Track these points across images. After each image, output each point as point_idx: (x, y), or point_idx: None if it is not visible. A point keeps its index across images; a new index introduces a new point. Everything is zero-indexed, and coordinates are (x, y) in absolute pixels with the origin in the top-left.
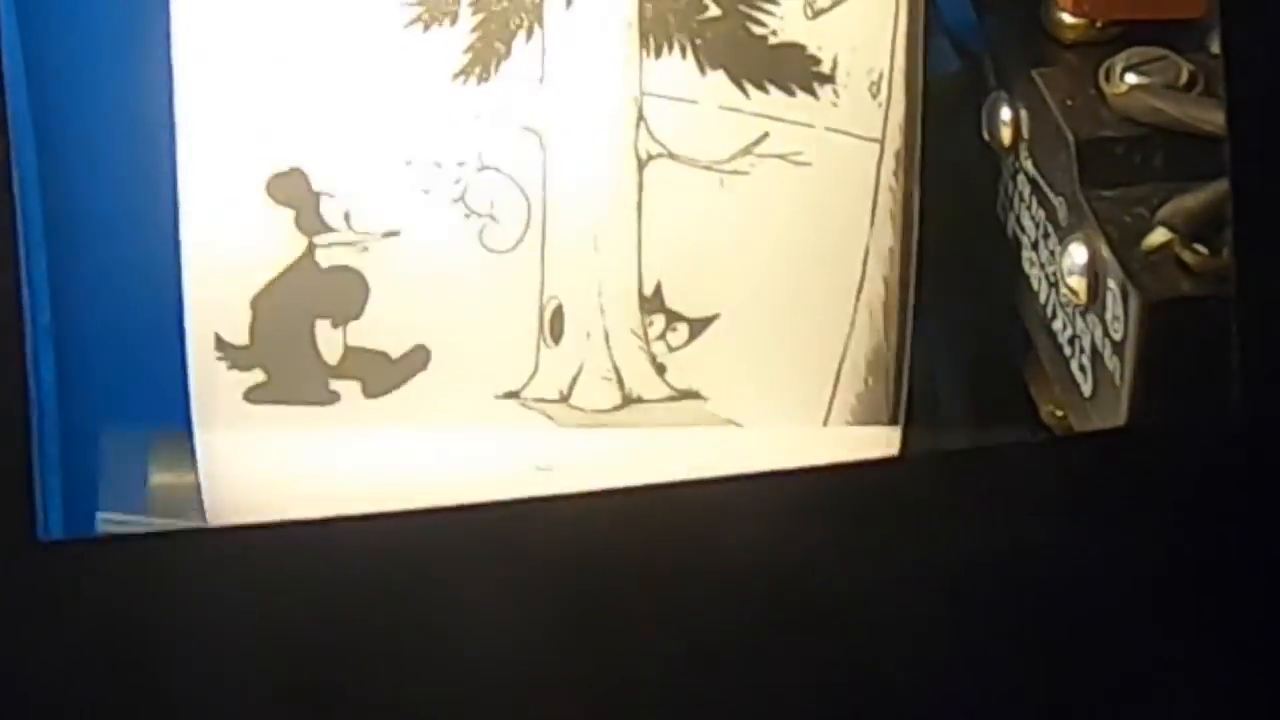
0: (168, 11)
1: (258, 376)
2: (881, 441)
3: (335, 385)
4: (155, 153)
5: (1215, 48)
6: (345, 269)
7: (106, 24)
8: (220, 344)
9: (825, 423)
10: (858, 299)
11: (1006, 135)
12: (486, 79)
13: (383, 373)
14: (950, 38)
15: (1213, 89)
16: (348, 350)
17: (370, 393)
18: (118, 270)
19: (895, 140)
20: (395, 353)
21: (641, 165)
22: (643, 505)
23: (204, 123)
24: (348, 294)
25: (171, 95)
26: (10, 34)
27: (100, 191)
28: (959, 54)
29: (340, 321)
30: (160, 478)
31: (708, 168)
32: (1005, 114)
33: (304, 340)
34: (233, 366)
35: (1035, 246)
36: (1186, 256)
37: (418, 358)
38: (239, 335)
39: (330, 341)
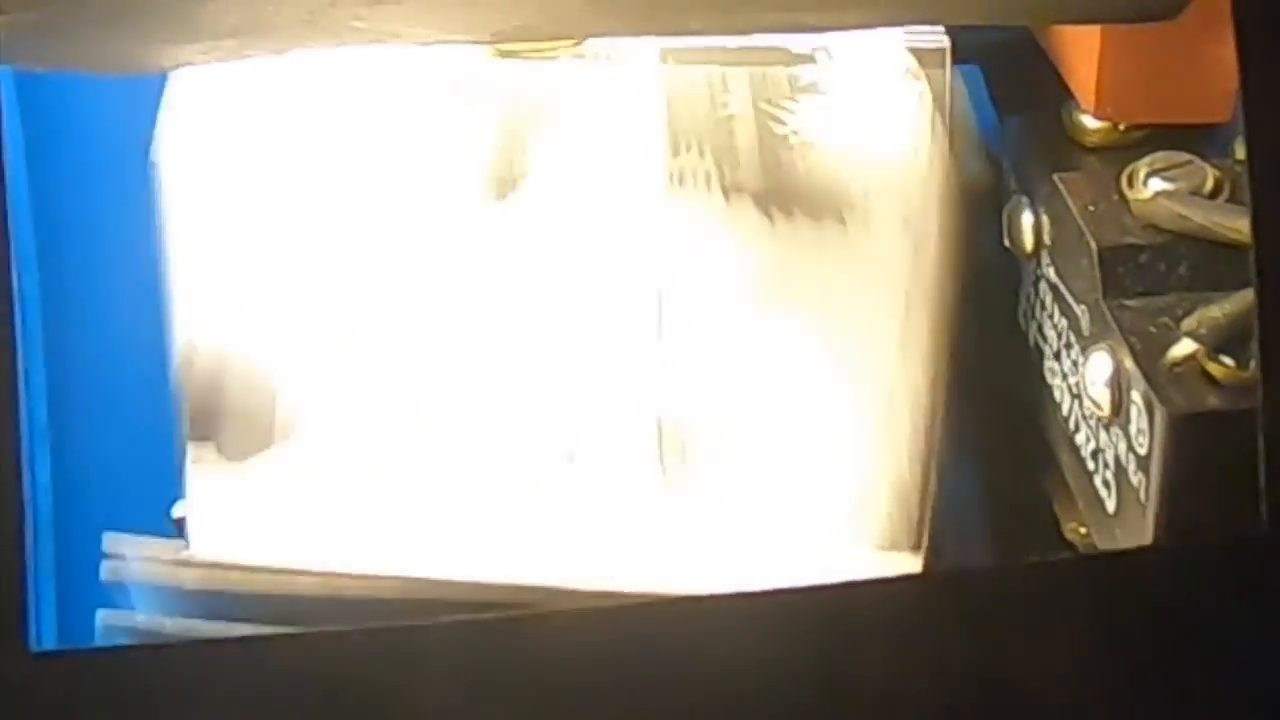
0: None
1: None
2: (903, 566)
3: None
4: (153, 266)
5: (1240, 153)
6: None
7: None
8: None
9: (845, 546)
10: (881, 426)
11: (1028, 241)
12: (504, 198)
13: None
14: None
15: (1239, 196)
16: None
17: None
18: (115, 373)
19: (923, 271)
20: None
21: (662, 292)
22: (651, 621)
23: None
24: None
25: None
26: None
27: (99, 297)
28: (979, 156)
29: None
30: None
31: (730, 294)
32: (1027, 219)
33: None
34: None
35: (1057, 356)
36: (1213, 369)
37: None
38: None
39: None
